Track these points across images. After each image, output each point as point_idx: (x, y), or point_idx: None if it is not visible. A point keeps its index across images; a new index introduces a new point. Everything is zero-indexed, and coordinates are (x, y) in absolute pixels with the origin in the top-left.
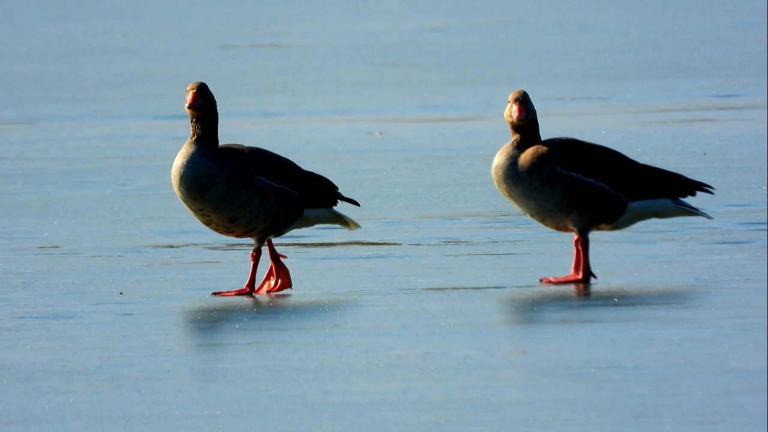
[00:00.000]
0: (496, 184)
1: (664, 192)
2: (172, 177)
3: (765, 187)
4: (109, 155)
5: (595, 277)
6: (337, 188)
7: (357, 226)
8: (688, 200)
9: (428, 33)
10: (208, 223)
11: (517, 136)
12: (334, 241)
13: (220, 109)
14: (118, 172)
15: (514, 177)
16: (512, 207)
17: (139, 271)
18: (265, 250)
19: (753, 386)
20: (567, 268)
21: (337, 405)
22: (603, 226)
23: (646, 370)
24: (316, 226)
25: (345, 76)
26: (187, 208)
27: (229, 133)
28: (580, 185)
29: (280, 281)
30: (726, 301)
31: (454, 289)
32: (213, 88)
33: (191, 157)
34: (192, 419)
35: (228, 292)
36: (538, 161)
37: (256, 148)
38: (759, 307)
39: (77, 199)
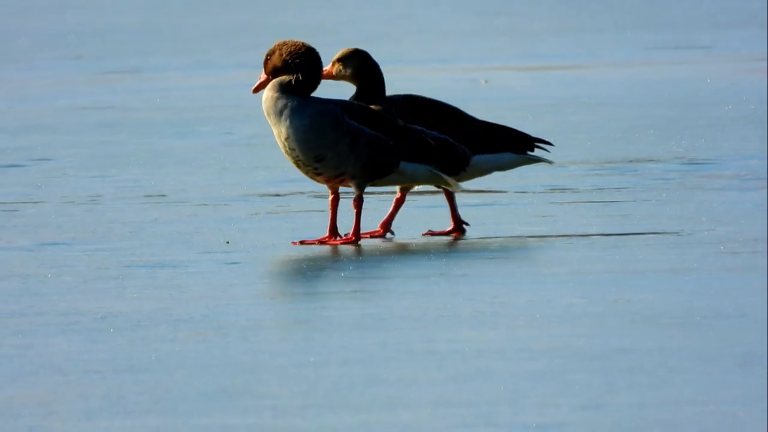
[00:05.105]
0: None
1: (506, 146)
2: None
3: None
4: (214, 104)
5: (468, 223)
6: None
7: (458, 186)
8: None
9: None
10: (297, 164)
11: (354, 94)
12: (439, 189)
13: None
14: (224, 122)
15: None
16: (617, 154)
17: (245, 220)
18: (365, 197)
19: None
20: (673, 215)
21: (442, 353)
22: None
23: (752, 318)
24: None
25: (448, 26)
26: (277, 141)
27: None
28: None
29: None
30: None
31: (559, 236)
32: (314, 39)
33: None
34: (297, 368)
35: (312, 240)
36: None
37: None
38: None
39: (184, 149)
